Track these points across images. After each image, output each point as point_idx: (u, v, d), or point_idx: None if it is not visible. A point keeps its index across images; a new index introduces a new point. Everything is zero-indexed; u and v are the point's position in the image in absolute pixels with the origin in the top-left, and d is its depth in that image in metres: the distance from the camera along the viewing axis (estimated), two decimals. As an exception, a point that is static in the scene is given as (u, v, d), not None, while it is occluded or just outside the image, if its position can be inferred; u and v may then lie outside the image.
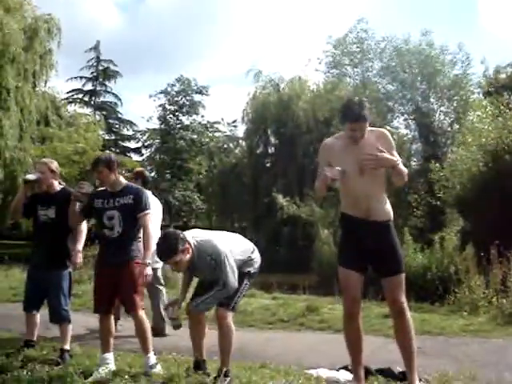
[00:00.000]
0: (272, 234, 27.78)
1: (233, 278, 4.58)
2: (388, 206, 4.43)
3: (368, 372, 4.81)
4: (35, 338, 5.76)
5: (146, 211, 5.11)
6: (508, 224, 12.76)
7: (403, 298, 4.37)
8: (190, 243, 4.63)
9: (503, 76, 31.40)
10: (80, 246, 5.54)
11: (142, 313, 5.08)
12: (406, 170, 4.36)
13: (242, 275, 4.76)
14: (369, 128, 4.35)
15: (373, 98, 25.05)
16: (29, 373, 5.02)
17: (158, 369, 4.92)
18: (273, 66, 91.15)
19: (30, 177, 5.64)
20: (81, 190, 5.31)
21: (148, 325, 5.14)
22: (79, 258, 5.52)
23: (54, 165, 5.72)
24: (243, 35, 77.74)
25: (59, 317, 5.58)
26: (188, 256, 4.60)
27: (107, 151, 31.08)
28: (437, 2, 63.34)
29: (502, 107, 16.42)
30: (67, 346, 5.52)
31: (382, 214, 4.37)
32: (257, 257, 4.99)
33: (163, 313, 6.54)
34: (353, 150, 4.30)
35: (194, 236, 4.74)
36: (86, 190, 5.36)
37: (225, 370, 4.62)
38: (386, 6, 65.98)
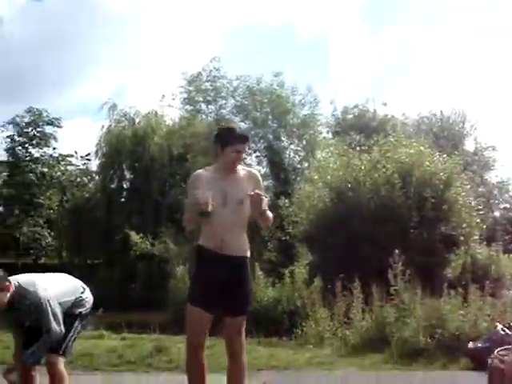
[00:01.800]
0: (127, 270, 27.19)
1: (56, 325, 4.42)
2: (245, 243, 4.42)
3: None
4: None
5: None
6: (352, 258, 13.49)
7: (243, 337, 4.44)
8: (10, 283, 4.42)
9: (350, 116, 33.54)
10: None
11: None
12: (271, 216, 4.43)
13: (73, 317, 4.65)
14: (239, 166, 4.40)
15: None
16: None
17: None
18: (131, 100, 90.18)
19: None
20: None
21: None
22: None
23: None
24: (104, 67, 76.33)
25: None
26: (8, 294, 4.39)
27: None
28: (289, 46, 66.16)
29: (345, 147, 17.43)
30: None
31: (238, 248, 4.34)
32: (88, 296, 4.89)
33: None
34: (221, 179, 4.30)
35: (17, 279, 4.54)
36: None
37: None
38: (240, 46, 67.89)
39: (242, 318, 4.36)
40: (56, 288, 4.56)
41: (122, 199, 33.18)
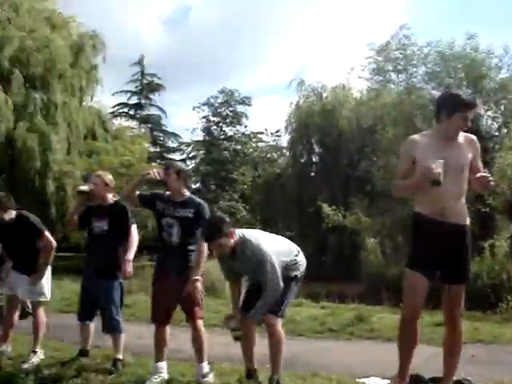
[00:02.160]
0: (318, 243, 27.60)
1: (276, 280, 4.55)
2: (465, 211, 4.27)
3: (420, 380, 4.73)
4: (89, 348, 5.86)
5: None
6: None
7: (462, 309, 4.29)
8: (234, 231, 4.65)
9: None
10: (131, 255, 5.59)
11: (200, 323, 5.11)
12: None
13: (289, 280, 4.73)
14: None
15: (418, 104, 24.73)
16: (83, 381, 5.12)
17: (211, 378, 4.94)
18: (316, 75, 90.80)
19: (83, 188, 5.76)
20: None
21: (205, 335, 5.15)
22: (129, 267, 5.57)
23: (108, 178, 5.82)
24: (287, 46, 77.82)
25: (111, 327, 5.66)
26: (232, 242, 4.62)
27: (153, 163, 31.57)
28: (482, 4, 62.07)
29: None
30: (120, 356, 5.60)
31: (461, 216, 4.21)
32: (302, 260, 4.95)
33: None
34: (440, 146, 4.13)
35: (241, 231, 4.76)
36: (87, 188, 5.66)
37: (276, 378, 4.60)
38: (427, 12, 65.19)
39: (462, 287, 4.22)
40: (276, 246, 4.74)
41: (312, 173, 33.71)
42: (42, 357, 5.96)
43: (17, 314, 6.27)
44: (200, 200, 5.28)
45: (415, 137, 4.32)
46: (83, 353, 5.79)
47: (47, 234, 6.04)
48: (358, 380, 4.99)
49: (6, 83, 25.23)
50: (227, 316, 5.06)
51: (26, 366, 5.74)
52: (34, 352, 5.95)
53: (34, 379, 5.38)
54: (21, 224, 5.97)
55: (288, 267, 4.75)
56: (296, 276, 4.81)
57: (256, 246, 4.63)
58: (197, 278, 4.95)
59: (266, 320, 4.69)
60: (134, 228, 5.71)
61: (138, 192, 5.31)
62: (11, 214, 6.00)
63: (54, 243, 6.08)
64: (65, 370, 5.47)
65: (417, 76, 26.89)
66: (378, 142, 25.99)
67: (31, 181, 25.15)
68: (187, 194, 5.26)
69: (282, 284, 4.60)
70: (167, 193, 5.27)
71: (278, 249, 4.75)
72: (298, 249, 5.01)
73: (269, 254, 4.60)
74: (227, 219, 4.72)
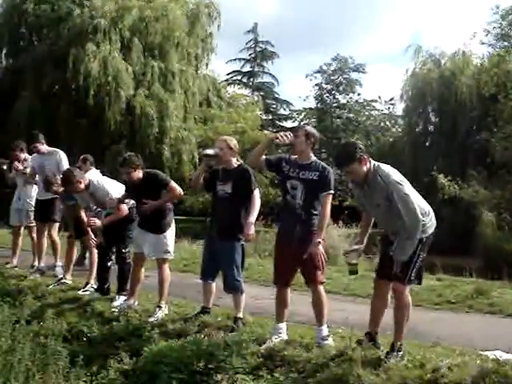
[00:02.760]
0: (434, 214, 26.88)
1: (413, 207, 4.42)
2: None
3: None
4: (210, 306, 6.06)
5: (329, 191, 5.11)
6: None
7: None
8: (368, 159, 4.57)
9: None
10: (253, 218, 5.66)
11: (321, 287, 5.15)
12: None
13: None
14: None
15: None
16: (206, 337, 5.31)
17: (330, 341, 4.97)
18: (432, 41, 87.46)
19: (209, 151, 5.89)
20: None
21: (326, 299, 5.18)
22: (251, 230, 5.64)
23: (233, 142, 5.91)
24: (402, 10, 75.44)
25: (232, 287, 5.80)
26: (364, 168, 4.53)
27: (266, 131, 31.84)
28: None
29: None
30: (240, 315, 5.74)
31: None
32: (432, 221, 4.73)
33: None
34: None
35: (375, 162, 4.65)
36: (213, 152, 5.73)
37: (398, 344, 4.56)
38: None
39: None
40: (412, 191, 4.57)
41: (428, 143, 32.72)
42: (167, 312, 6.23)
43: (143, 271, 6.59)
44: (325, 164, 5.25)
45: None
46: (205, 310, 5.99)
47: (173, 183, 6.33)
48: (481, 352, 4.84)
49: (126, 52, 26.25)
50: (347, 250, 5.05)
51: (151, 319, 6.04)
52: (159, 307, 6.23)
53: (159, 332, 5.65)
54: (148, 181, 6.26)
55: None
56: (422, 239, 4.57)
57: (387, 174, 4.51)
58: (319, 240, 4.96)
59: (393, 286, 4.63)
60: (256, 192, 5.79)
61: (264, 156, 5.35)
62: (140, 174, 6.29)
63: (181, 191, 6.39)
64: (188, 326, 5.71)
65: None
66: (500, 112, 24.76)
67: (149, 146, 26.07)
68: (313, 157, 5.25)
69: (420, 216, 4.46)
70: (293, 156, 5.28)
71: (414, 195, 4.58)
72: (430, 209, 4.77)
73: (402, 183, 4.49)
74: (360, 145, 4.64)
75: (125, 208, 6.53)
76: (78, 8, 26.10)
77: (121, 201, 6.59)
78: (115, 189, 6.95)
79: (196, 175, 6.13)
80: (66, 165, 8.31)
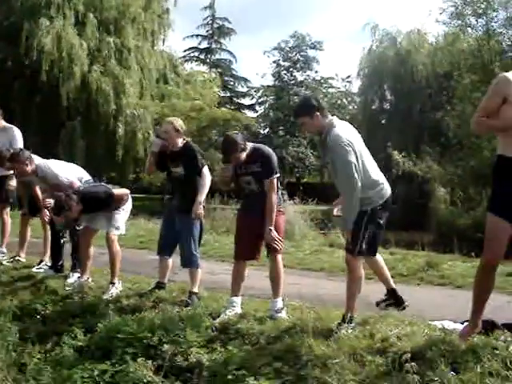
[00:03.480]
0: (388, 191, 27.30)
1: (351, 173, 4.43)
2: None
3: (494, 326, 4.68)
4: (166, 281, 6.08)
5: (272, 177, 5.16)
6: None
7: None
8: (324, 114, 4.67)
9: None
10: (201, 197, 5.71)
11: (279, 257, 5.22)
12: None
13: (360, 214, 4.56)
14: None
15: (497, 51, 23.71)
16: (160, 312, 5.34)
17: (283, 313, 5.05)
18: (389, 20, 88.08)
19: (155, 149, 6.02)
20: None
21: (282, 271, 5.25)
22: (200, 209, 5.69)
23: (179, 123, 5.89)
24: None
25: (189, 261, 5.84)
26: (316, 123, 4.65)
27: (223, 108, 31.68)
28: None
29: None
30: (196, 289, 5.78)
31: None
32: (380, 194, 4.70)
33: None
34: None
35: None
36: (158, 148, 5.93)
37: (349, 315, 4.66)
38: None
39: None
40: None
41: (383, 120, 33.12)
42: (121, 288, 6.22)
43: (92, 247, 6.55)
44: (265, 150, 5.32)
45: (509, 74, 4.11)
46: (160, 286, 6.01)
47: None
48: (430, 322, 4.98)
49: (80, 27, 25.73)
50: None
51: (105, 296, 6.03)
52: (112, 283, 6.22)
53: (113, 308, 5.65)
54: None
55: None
56: (367, 211, 4.60)
57: (335, 135, 4.52)
58: (270, 228, 5.07)
59: (346, 258, 4.73)
60: (205, 169, 5.82)
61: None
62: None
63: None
64: (143, 301, 5.73)
65: (497, 21, 25.64)
66: (454, 90, 25.18)
67: (104, 123, 25.74)
68: (251, 145, 5.28)
69: (355, 186, 4.46)
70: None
71: (362, 163, 4.57)
72: (382, 181, 4.76)
73: (348, 149, 4.47)
74: (316, 100, 4.77)
75: (77, 209, 6.11)
76: (30, -19, 25.41)
77: (71, 198, 6.07)
78: (67, 171, 6.80)
79: (148, 164, 6.18)
80: (20, 143, 8.04)
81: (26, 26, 24.21)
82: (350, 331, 4.55)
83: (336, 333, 4.50)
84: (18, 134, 8.18)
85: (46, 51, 23.77)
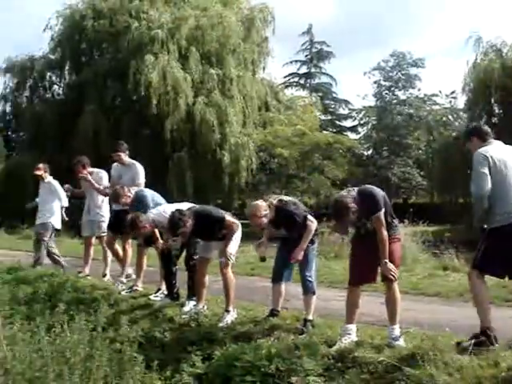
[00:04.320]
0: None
1: None
2: None
3: None
4: (279, 308, 6.10)
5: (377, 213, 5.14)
6: None
7: None
8: None
9: None
10: (304, 245, 5.79)
11: (395, 284, 5.11)
12: None
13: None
14: None
15: None
16: (276, 340, 5.35)
17: (401, 341, 4.91)
18: (493, 32, 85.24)
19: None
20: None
21: (399, 297, 5.14)
22: (300, 255, 5.76)
23: (261, 210, 5.88)
24: (459, 3, 73.69)
25: (305, 288, 5.85)
26: None
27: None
28: None
29: None
30: (310, 317, 5.75)
31: None
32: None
33: None
34: None
35: None
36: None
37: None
38: None
39: None
40: None
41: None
42: (235, 316, 6.30)
43: (207, 276, 6.69)
44: None
45: None
46: (274, 313, 6.04)
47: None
48: None
49: (184, 61, 26.70)
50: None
51: (221, 324, 6.12)
52: (227, 311, 6.30)
53: (229, 336, 5.73)
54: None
55: None
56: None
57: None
58: (386, 261, 5.03)
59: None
60: (308, 220, 5.91)
61: None
62: None
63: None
64: (258, 329, 5.77)
65: None
66: None
67: (209, 153, 26.40)
68: None
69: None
70: None
71: None
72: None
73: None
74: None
75: (190, 225, 6.27)
76: (135, 21, 26.75)
77: (183, 214, 6.31)
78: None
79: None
80: (142, 178, 8.52)
81: (132, 63, 25.46)
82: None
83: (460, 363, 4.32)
84: (140, 170, 8.61)
85: (153, 86, 24.84)
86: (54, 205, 9.86)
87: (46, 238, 9.78)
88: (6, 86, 30.71)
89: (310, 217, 5.94)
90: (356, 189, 5.29)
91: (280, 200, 6.04)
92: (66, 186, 9.73)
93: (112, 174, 8.82)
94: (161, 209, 7.12)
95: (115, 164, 8.83)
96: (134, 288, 7.95)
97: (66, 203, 9.98)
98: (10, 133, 46.05)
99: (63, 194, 9.83)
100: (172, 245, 6.87)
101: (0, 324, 5.19)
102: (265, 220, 5.89)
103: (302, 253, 5.79)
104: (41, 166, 10.08)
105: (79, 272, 9.25)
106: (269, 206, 5.92)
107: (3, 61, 30.30)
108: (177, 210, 6.34)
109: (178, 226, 6.17)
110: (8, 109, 33.43)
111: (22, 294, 8.03)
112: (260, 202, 6.00)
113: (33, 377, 4.46)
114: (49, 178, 10.00)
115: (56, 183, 9.95)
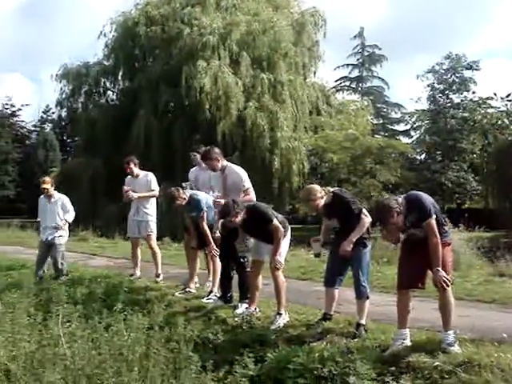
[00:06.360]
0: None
1: None
2: None
3: None
4: (332, 312, 6.09)
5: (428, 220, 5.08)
6: None
7: None
8: None
9: None
10: (354, 237, 5.79)
11: (449, 290, 5.03)
12: None
13: None
14: None
15: None
16: (329, 344, 5.35)
17: (456, 347, 4.85)
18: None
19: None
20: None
21: (453, 303, 5.07)
22: (349, 247, 5.75)
23: (314, 193, 5.93)
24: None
25: (358, 292, 5.84)
26: None
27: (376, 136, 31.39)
28: None
29: None
30: (363, 321, 5.73)
31: None
32: None
33: None
34: None
35: None
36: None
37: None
38: None
39: None
40: None
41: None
42: (287, 319, 6.32)
43: (261, 278, 6.73)
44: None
45: None
46: (326, 317, 6.04)
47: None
48: None
49: (235, 66, 26.95)
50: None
51: (273, 326, 6.15)
52: (279, 314, 6.33)
53: (281, 339, 5.76)
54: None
55: None
56: None
57: None
58: (438, 268, 4.94)
59: None
60: (362, 214, 5.93)
61: None
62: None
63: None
64: (310, 332, 5.78)
65: None
66: None
67: (260, 157, 26.49)
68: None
69: None
70: None
71: None
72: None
73: None
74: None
75: (240, 218, 6.43)
76: (187, 27, 27.12)
77: (238, 205, 6.50)
78: None
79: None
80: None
81: (184, 68, 25.82)
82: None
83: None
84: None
85: (205, 91, 25.13)
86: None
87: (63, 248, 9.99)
88: (61, 93, 31.46)
89: (364, 211, 5.94)
90: (403, 196, 5.24)
91: (337, 187, 6.11)
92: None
93: (190, 177, 8.90)
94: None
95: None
96: (187, 290, 8.06)
97: (71, 218, 10.00)
98: (65, 138, 47.44)
99: (71, 208, 9.92)
100: (238, 248, 6.93)
101: (59, 322, 5.34)
102: (320, 202, 5.90)
103: (351, 245, 5.77)
104: (47, 179, 10.04)
105: (131, 275, 9.35)
106: (325, 193, 5.93)
107: (59, 68, 31.16)
108: (233, 199, 6.49)
109: (229, 213, 6.31)
110: (64, 114, 34.46)
111: (79, 293, 8.22)
112: (315, 185, 6.08)
113: (92, 373, 4.58)
114: (55, 193, 9.90)
115: (65, 198, 9.94)
